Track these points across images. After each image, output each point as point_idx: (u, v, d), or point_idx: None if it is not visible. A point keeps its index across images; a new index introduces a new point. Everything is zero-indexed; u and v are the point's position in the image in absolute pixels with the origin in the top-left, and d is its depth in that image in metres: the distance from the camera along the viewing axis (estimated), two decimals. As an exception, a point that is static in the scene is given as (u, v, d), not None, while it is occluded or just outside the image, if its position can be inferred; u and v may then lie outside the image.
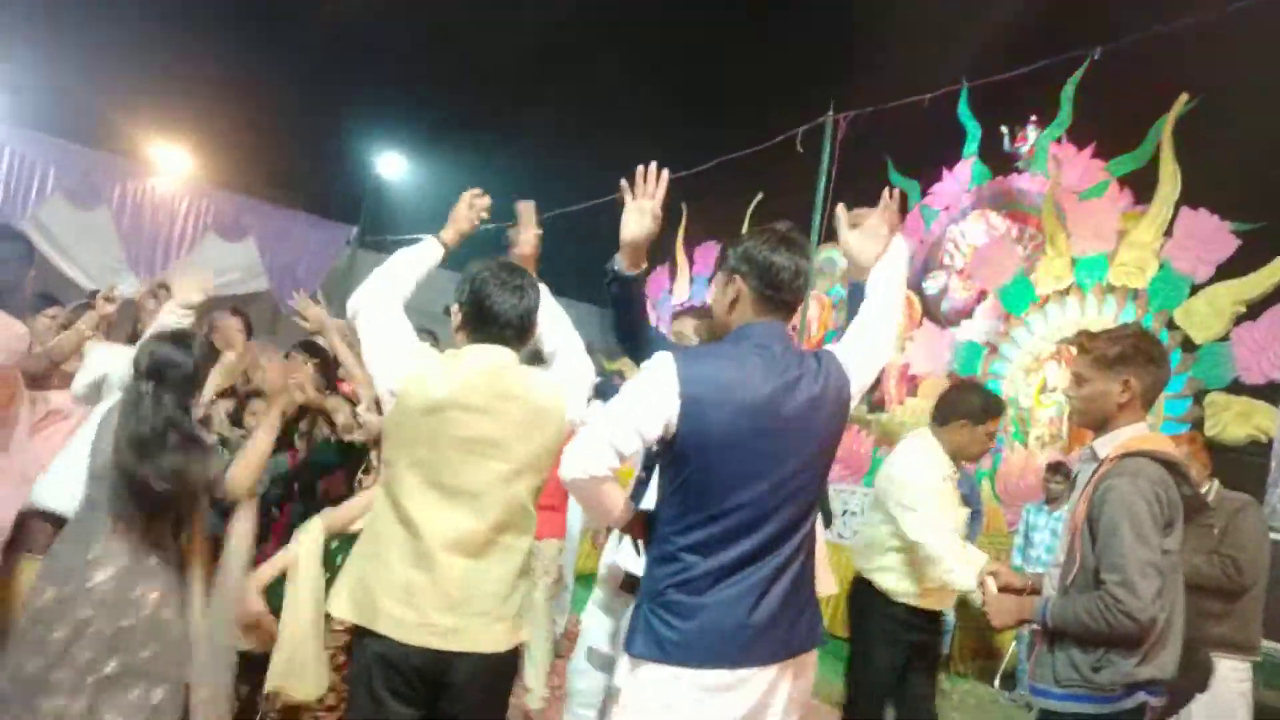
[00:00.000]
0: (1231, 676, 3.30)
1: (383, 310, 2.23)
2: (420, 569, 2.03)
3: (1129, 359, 2.34)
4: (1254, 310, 6.84)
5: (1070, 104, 9.89)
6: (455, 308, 2.32)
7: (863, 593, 3.44)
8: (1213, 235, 7.16)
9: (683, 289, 12.85)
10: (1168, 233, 7.48)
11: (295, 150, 13.13)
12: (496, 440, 2.10)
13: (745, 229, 11.84)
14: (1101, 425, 2.39)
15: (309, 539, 2.69)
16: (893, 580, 3.30)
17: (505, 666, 2.15)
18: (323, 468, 3.51)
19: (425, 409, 2.09)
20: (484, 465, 2.10)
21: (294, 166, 13.04)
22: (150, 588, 2.53)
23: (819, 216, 9.09)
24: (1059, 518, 6.01)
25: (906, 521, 3.18)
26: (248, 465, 2.64)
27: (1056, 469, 6.38)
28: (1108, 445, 2.34)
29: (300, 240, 12.83)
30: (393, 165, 14.13)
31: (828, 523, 5.73)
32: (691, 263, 12.83)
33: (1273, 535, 4.83)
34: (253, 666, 2.83)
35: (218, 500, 2.70)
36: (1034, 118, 10.47)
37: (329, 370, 3.85)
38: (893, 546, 3.30)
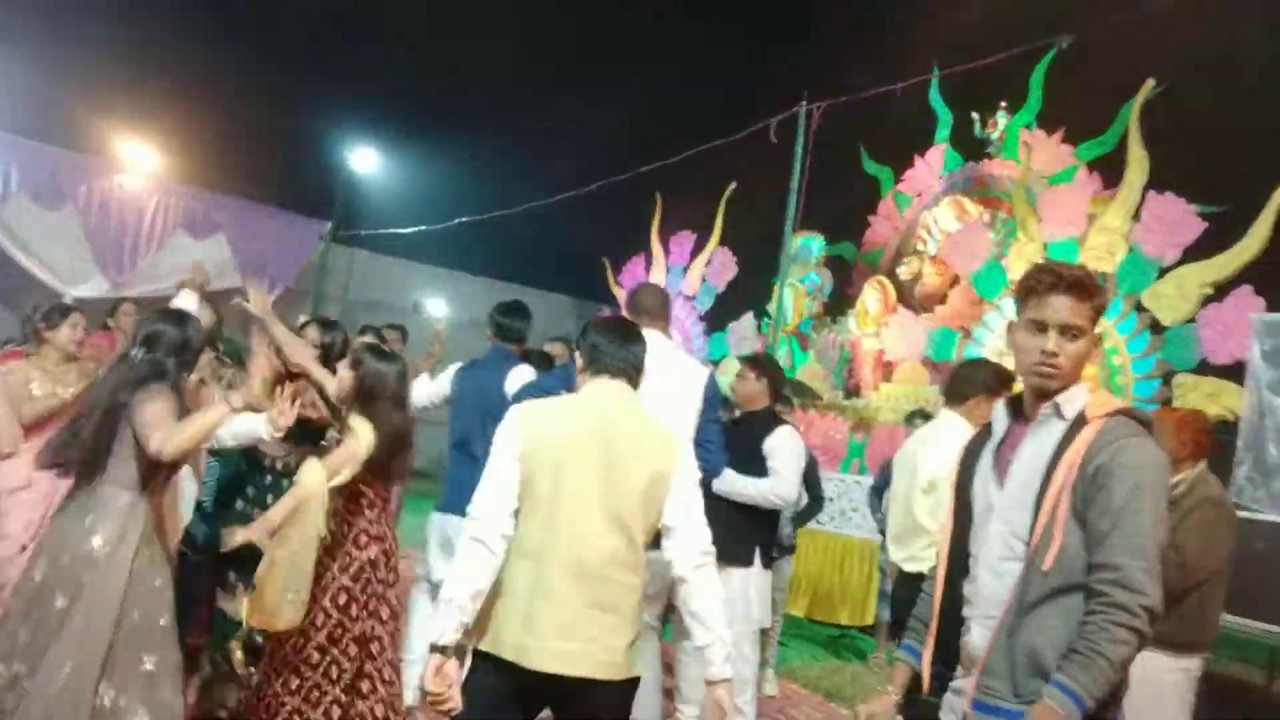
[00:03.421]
0: (1168, 677, 3.14)
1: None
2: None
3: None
4: (1220, 292, 6.94)
5: (1039, 90, 9.98)
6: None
7: (907, 582, 3.31)
8: (1179, 219, 7.25)
9: (659, 278, 12.86)
10: (1136, 217, 7.57)
11: (266, 146, 12.98)
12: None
13: (719, 218, 11.91)
14: (1063, 389, 1.90)
15: (313, 479, 2.87)
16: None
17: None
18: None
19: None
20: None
21: (265, 162, 12.90)
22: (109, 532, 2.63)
23: (792, 204, 9.12)
24: None
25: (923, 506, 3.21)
26: (184, 433, 2.62)
27: (916, 414, 6.31)
28: (1074, 403, 1.88)
29: (272, 237, 12.71)
30: (366, 160, 14.02)
31: (818, 509, 5.70)
32: (667, 252, 12.85)
33: (1240, 514, 4.92)
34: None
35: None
36: (1004, 104, 10.57)
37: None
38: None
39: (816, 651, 6.49)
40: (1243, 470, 5.23)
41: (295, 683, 2.92)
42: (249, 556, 3.09)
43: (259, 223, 12.68)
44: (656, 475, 2.22)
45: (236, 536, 2.94)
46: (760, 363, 4.21)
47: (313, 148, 14.01)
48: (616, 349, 2.36)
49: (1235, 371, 6.43)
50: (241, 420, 3.00)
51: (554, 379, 3.60)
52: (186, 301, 3.83)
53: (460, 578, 2.10)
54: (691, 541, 2.23)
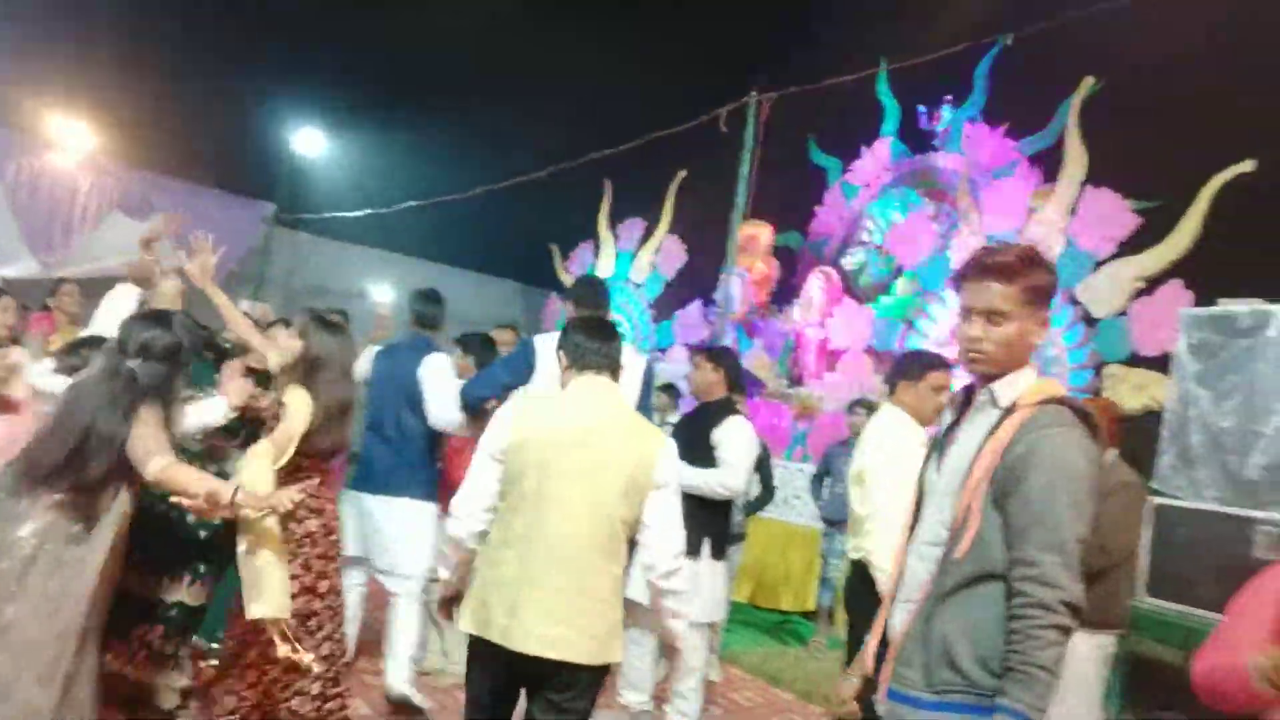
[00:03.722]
0: (1083, 653, 3.28)
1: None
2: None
3: (1050, 292, 1.87)
4: (1151, 286, 7.15)
5: (983, 85, 10.17)
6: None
7: (853, 569, 3.45)
8: (1114, 214, 7.46)
9: (607, 265, 12.85)
10: (1073, 211, 7.76)
11: (207, 126, 12.61)
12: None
13: (668, 206, 11.93)
14: (1000, 375, 1.87)
15: (260, 462, 2.78)
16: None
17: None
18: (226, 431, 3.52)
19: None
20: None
21: (206, 143, 12.52)
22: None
23: (741, 193, 9.18)
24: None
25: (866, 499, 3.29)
26: (188, 480, 2.53)
27: (858, 404, 6.53)
28: (1010, 390, 1.84)
29: (212, 219, 12.33)
30: (311, 141, 13.75)
31: (769, 499, 5.87)
32: (616, 239, 12.84)
33: (1161, 501, 5.10)
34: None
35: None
36: (949, 98, 10.74)
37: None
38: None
39: (759, 637, 6.58)
40: (1167, 459, 5.40)
41: (254, 676, 2.89)
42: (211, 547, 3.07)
43: (199, 204, 12.33)
44: (638, 471, 2.36)
45: None
46: (717, 354, 4.22)
47: (256, 129, 13.68)
48: (598, 346, 2.51)
49: (1163, 363, 6.64)
50: (202, 410, 2.99)
51: (504, 370, 3.64)
52: (125, 297, 3.73)
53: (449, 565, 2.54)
54: (668, 541, 2.41)
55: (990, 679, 1.69)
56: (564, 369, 2.57)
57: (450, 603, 2.48)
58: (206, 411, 3.18)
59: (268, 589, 2.69)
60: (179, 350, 2.72)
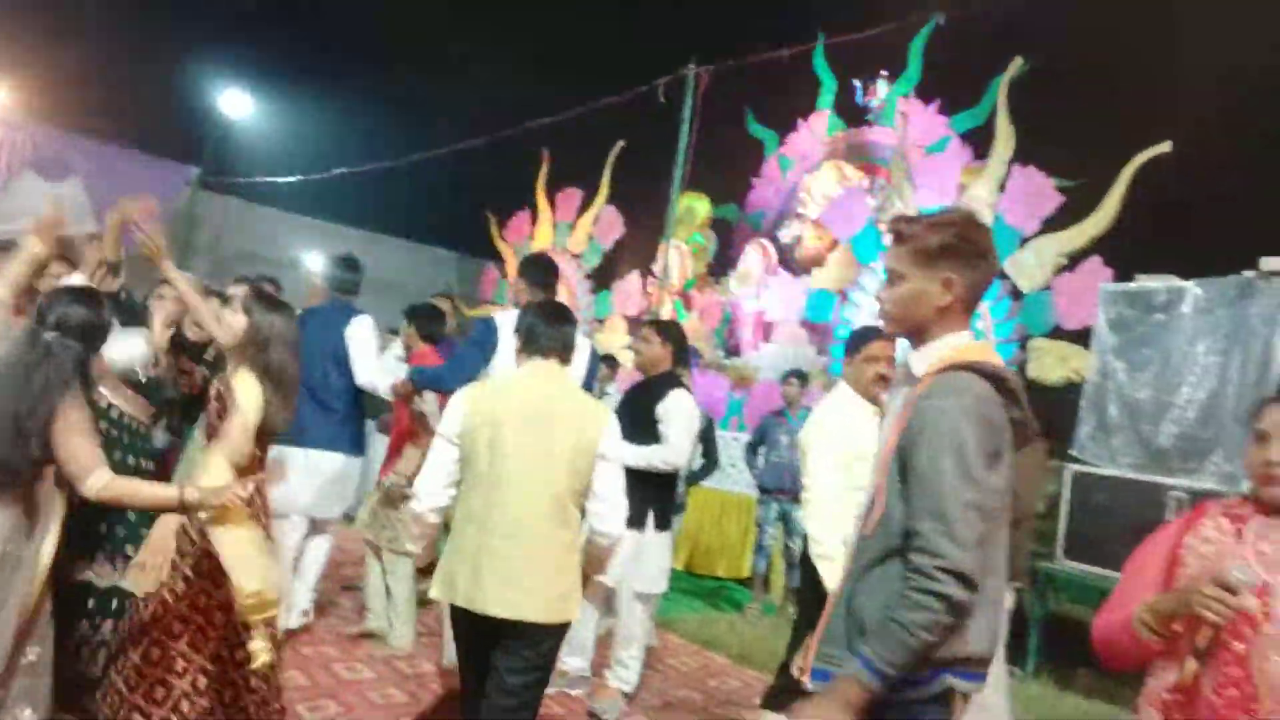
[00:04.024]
0: None
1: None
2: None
3: (954, 252, 1.83)
4: (1073, 262, 7.40)
5: (918, 61, 10.34)
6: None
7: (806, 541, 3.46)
8: (1040, 191, 7.68)
9: (545, 235, 12.78)
10: (1001, 188, 7.97)
11: (127, 83, 12.13)
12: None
13: (607, 177, 11.89)
14: (915, 335, 1.87)
15: (218, 463, 2.70)
16: None
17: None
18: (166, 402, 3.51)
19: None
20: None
21: (125, 101, 12.06)
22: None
23: (679, 165, 9.20)
24: (796, 424, 6.04)
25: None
26: (123, 491, 2.45)
27: (793, 374, 6.69)
28: (923, 360, 1.83)
29: (133, 180, 11.87)
30: (238, 104, 13.31)
31: (713, 469, 6.14)
32: (554, 209, 12.76)
33: (1079, 468, 5.34)
34: None
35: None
36: (884, 73, 10.90)
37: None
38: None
39: (695, 603, 6.70)
40: (1086, 429, 5.65)
41: (156, 654, 2.78)
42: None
43: (118, 165, 11.88)
44: (584, 446, 2.57)
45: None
46: (664, 326, 4.25)
47: (179, 87, 13.21)
48: (549, 330, 2.68)
49: (1085, 336, 6.91)
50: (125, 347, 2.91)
51: (480, 353, 3.90)
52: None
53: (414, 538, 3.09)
54: (614, 508, 2.65)
55: None
56: (517, 350, 2.75)
57: (423, 573, 2.77)
58: (130, 347, 3.11)
59: (255, 564, 2.61)
60: (98, 330, 2.60)
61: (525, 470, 2.53)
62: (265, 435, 2.91)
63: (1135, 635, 1.78)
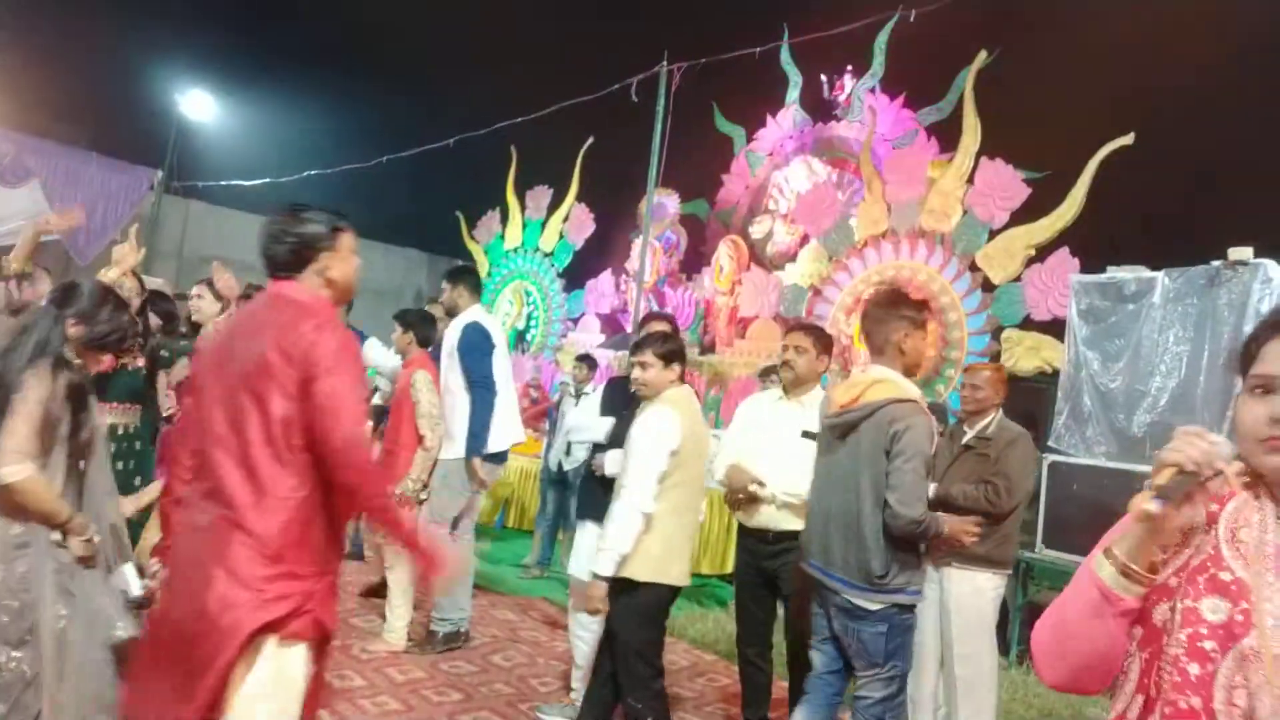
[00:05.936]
0: (987, 587, 3.66)
1: None
2: None
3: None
4: (1041, 253, 7.51)
5: (883, 55, 10.41)
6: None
7: None
8: (1007, 183, 7.78)
9: (515, 233, 12.72)
10: (969, 181, 8.06)
11: (88, 86, 11.87)
12: None
13: (577, 174, 11.86)
14: None
15: None
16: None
17: None
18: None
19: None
20: None
21: (85, 104, 11.81)
22: None
23: (654, 163, 9.20)
24: None
25: None
26: (38, 496, 2.29)
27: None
28: None
29: (95, 185, 11.71)
30: (200, 105, 13.09)
31: None
32: (523, 207, 12.71)
33: (1056, 458, 5.42)
34: None
35: None
36: (850, 68, 10.97)
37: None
38: None
39: (679, 601, 6.71)
40: (1061, 418, 5.74)
41: None
42: None
43: (79, 169, 11.64)
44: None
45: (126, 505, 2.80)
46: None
47: (140, 90, 12.96)
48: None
49: (1054, 326, 7.02)
50: None
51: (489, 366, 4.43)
52: None
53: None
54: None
55: None
56: (676, 370, 3.49)
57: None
58: None
59: None
60: (107, 337, 2.56)
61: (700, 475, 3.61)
62: None
63: (1106, 591, 1.32)
